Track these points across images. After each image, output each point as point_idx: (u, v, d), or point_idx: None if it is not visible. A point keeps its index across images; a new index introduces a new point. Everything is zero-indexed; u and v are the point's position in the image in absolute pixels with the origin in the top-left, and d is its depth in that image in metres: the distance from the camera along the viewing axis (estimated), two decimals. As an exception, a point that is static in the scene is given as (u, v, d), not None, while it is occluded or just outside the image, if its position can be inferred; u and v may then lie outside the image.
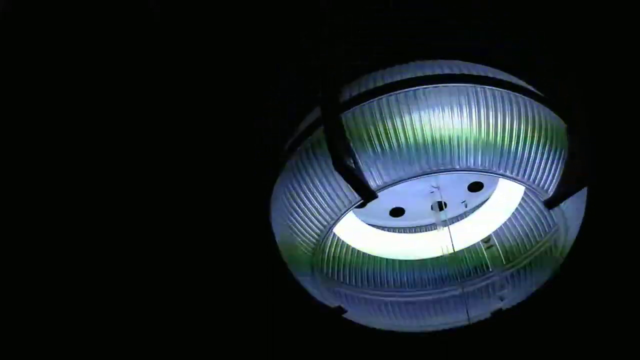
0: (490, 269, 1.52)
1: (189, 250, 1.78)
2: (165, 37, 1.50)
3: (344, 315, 1.50)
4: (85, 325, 1.84)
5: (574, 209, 1.37)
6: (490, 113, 1.27)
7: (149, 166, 1.65)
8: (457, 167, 1.27)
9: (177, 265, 1.79)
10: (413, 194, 1.47)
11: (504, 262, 1.51)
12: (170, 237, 1.76)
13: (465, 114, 1.27)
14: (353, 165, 1.27)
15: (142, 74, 1.54)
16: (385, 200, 1.46)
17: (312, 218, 1.35)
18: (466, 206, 1.53)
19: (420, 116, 1.27)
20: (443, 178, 1.42)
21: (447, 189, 1.46)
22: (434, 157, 1.27)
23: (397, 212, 1.52)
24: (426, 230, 1.55)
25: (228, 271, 1.79)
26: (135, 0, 1.46)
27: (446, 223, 1.49)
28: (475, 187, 1.48)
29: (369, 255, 1.53)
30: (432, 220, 1.53)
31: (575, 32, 1.54)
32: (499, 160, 1.27)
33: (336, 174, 1.28)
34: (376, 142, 1.28)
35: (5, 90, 1.54)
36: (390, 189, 1.30)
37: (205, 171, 1.67)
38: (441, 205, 1.49)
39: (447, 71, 1.30)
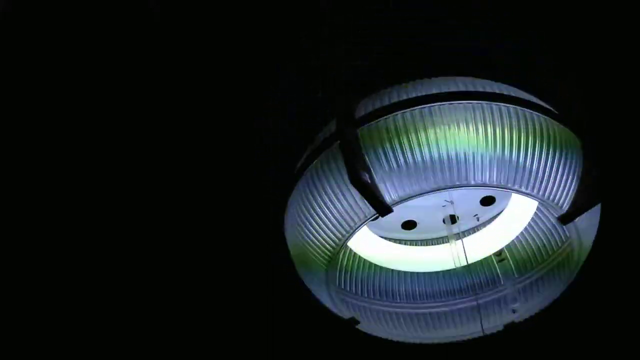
0: (502, 282, 1.52)
1: (202, 262, 1.78)
2: (165, 37, 1.51)
3: (357, 327, 1.51)
4: (88, 326, 1.84)
5: (587, 223, 1.38)
6: (505, 130, 1.28)
7: (149, 167, 1.66)
8: (472, 182, 1.29)
9: (190, 277, 1.80)
10: (425, 207, 1.47)
11: (516, 275, 1.52)
12: (182, 250, 1.76)
13: (480, 131, 1.28)
14: (369, 180, 1.28)
15: (142, 74, 1.55)
16: (398, 213, 1.47)
17: (327, 231, 1.36)
18: (478, 220, 1.54)
19: (435, 132, 1.28)
20: (456, 192, 1.43)
21: (459, 202, 1.47)
22: (449, 173, 1.28)
23: (409, 224, 1.52)
24: (437, 243, 1.56)
25: (241, 283, 1.80)
26: (135, 0, 1.46)
27: (459, 236, 1.50)
28: (488, 201, 1.48)
29: (382, 267, 1.54)
30: (443, 233, 1.54)
31: (575, 32, 1.54)
32: (514, 176, 1.29)
33: (351, 188, 1.30)
34: (392, 157, 1.29)
35: (5, 90, 1.54)
36: (404, 202, 1.31)
37: (214, 178, 1.67)
38: (453, 219, 1.50)
39: (462, 88, 1.31)
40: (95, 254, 1.75)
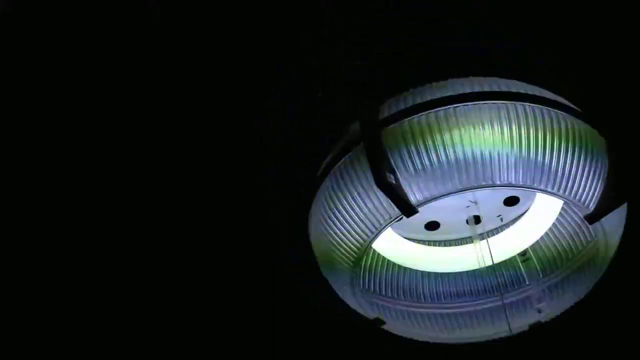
0: (528, 282, 1.52)
1: (201, 262, 1.78)
2: (165, 37, 1.51)
3: (383, 327, 1.51)
4: (88, 326, 1.84)
5: (613, 222, 1.38)
6: (531, 129, 1.28)
7: (149, 166, 1.66)
8: (498, 182, 1.28)
9: (189, 278, 1.80)
10: (449, 208, 1.47)
11: (541, 275, 1.51)
12: (182, 250, 1.76)
13: (505, 130, 1.28)
14: (394, 182, 1.28)
15: (142, 74, 1.55)
16: (421, 214, 1.46)
17: (353, 232, 1.36)
18: (502, 220, 1.53)
19: (460, 133, 1.28)
20: (479, 192, 1.43)
21: (483, 202, 1.47)
22: (474, 173, 1.28)
23: (432, 225, 1.52)
24: (461, 244, 1.56)
25: (253, 299, 1.80)
26: (135, 0, 1.46)
27: (483, 237, 1.50)
28: (511, 201, 1.48)
29: (406, 267, 1.54)
30: (467, 234, 1.54)
31: (575, 32, 1.53)
32: (540, 175, 1.28)
33: (376, 189, 1.30)
34: (416, 158, 1.29)
35: (5, 90, 1.54)
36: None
37: (213, 178, 1.67)
38: (477, 219, 1.50)
39: (486, 88, 1.31)
40: (96, 254, 1.75)
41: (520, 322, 1.51)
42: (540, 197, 1.48)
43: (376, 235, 1.36)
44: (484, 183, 1.28)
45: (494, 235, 1.54)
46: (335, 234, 1.37)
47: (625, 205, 1.37)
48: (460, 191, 1.29)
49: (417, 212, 1.30)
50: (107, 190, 1.68)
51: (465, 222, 1.51)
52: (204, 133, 1.62)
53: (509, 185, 1.29)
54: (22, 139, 1.60)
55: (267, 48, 1.53)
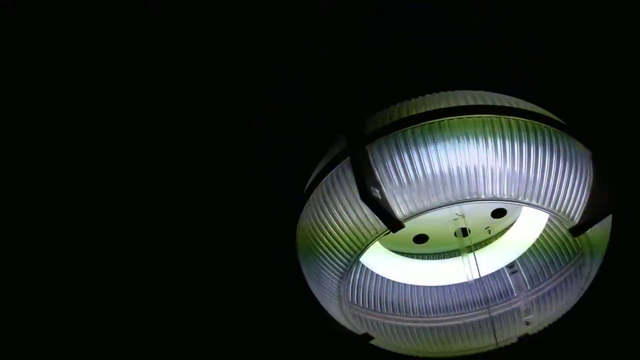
0: (515, 294, 1.52)
1: (203, 263, 1.78)
2: (165, 37, 1.51)
3: (371, 342, 1.51)
4: (88, 326, 1.85)
5: (599, 234, 1.38)
6: (515, 143, 1.28)
7: (148, 166, 1.66)
8: (483, 196, 1.29)
9: (190, 279, 1.80)
10: (436, 221, 1.47)
11: (529, 287, 1.52)
12: (182, 252, 1.76)
13: (489, 144, 1.28)
14: (379, 196, 1.28)
15: (142, 73, 1.55)
16: (409, 227, 1.46)
17: (339, 248, 1.36)
18: (490, 232, 1.54)
19: (445, 146, 1.29)
20: (467, 205, 1.43)
21: (470, 215, 1.47)
22: (460, 187, 1.28)
23: (420, 238, 1.53)
24: (450, 257, 1.56)
25: (253, 299, 1.80)
26: (135, 0, 1.46)
27: (470, 249, 1.50)
28: (499, 213, 1.49)
29: (394, 281, 1.54)
30: (455, 246, 1.54)
31: (559, 45, 1.54)
32: (524, 189, 1.29)
33: (362, 204, 1.30)
34: (402, 172, 1.29)
35: (5, 90, 1.54)
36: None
37: (213, 178, 1.67)
38: (465, 232, 1.50)
39: (470, 102, 1.32)
40: (95, 255, 1.75)
41: (509, 334, 1.51)
42: (527, 209, 1.48)
43: (363, 250, 1.36)
44: (468, 197, 1.28)
45: (482, 247, 1.55)
46: (322, 248, 1.37)
47: (610, 217, 1.38)
48: (446, 205, 1.29)
49: (403, 226, 1.30)
50: (107, 190, 1.68)
51: (453, 234, 1.51)
52: (204, 133, 1.62)
53: (494, 199, 1.29)
54: (22, 139, 1.60)
55: (267, 48, 1.53)
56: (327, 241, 1.36)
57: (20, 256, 1.74)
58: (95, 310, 1.82)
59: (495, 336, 1.47)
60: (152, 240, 1.75)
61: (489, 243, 1.55)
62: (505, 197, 1.29)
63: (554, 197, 1.29)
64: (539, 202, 1.29)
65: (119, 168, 1.65)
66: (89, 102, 1.58)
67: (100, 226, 1.72)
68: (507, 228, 1.53)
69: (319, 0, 1.48)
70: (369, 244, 1.34)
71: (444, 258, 1.57)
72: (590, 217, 1.32)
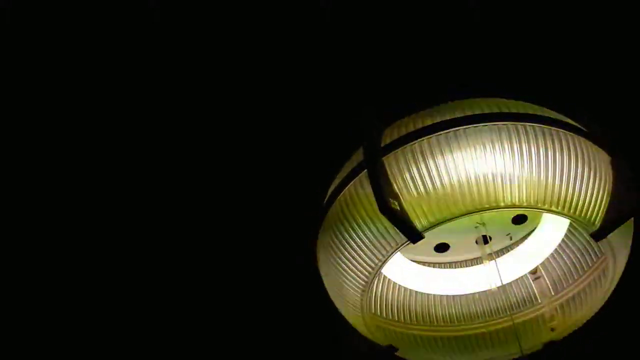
0: (539, 300, 1.51)
1: (234, 292, 1.79)
2: (165, 37, 1.51)
3: (396, 354, 1.51)
4: (93, 327, 1.86)
5: (621, 238, 1.37)
6: (532, 149, 1.28)
7: (148, 166, 1.66)
8: (502, 204, 1.28)
9: (222, 305, 1.80)
10: (457, 230, 1.46)
11: (553, 293, 1.51)
12: (215, 282, 1.77)
13: (507, 151, 1.28)
14: (398, 207, 1.28)
15: (142, 73, 1.55)
16: (430, 236, 1.46)
17: (360, 261, 1.36)
18: (511, 239, 1.53)
19: (462, 155, 1.28)
20: (488, 212, 1.42)
21: (491, 222, 1.46)
22: (478, 196, 1.28)
23: (441, 247, 1.52)
24: (472, 265, 1.55)
25: (276, 314, 1.80)
26: (135, 0, 1.46)
27: (492, 257, 1.50)
28: (520, 219, 1.48)
29: (417, 292, 1.54)
30: (477, 254, 1.53)
31: (578, 52, 1.53)
32: (544, 196, 1.28)
33: (381, 216, 1.29)
34: (419, 183, 1.29)
35: (5, 90, 1.54)
36: (435, 225, 1.31)
37: (212, 178, 1.67)
38: (486, 239, 1.49)
39: (486, 110, 1.31)
40: (96, 254, 1.76)
41: (534, 341, 1.50)
42: (547, 214, 1.47)
43: (384, 262, 1.35)
44: (487, 205, 1.28)
45: (503, 254, 1.54)
46: (343, 261, 1.37)
47: (631, 221, 1.36)
48: (465, 215, 1.29)
49: (422, 237, 1.30)
50: (107, 190, 1.69)
51: (474, 242, 1.50)
52: (204, 133, 1.62)
53: (513, 206, 1.28)
54: (22, 139, 1.61)
55: (267, 48, 1.53)
56: (347, 254, 1.36)
57: (21, 256, 1.75)
58: (95, 311, 1.83)
59: (519, 344, 1.46)
60: (151, 240, 1.75)
61: (511, 250, 1.54)
62: (525, 204, 1.28)
63: (573, 202, 1.29)
64: (559, 208, 1.29)
65: (119, 168, 1.66)
66: (89, 102, 1.58)
67: (100, 226, 1.73)
68: (529, 234, 1.52)
69: (319, 0, 1.48)
70: (389, 256, 1.34)
71: (466, 266, 1.56)
72: (611, 222, 1.31)
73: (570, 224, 1.46)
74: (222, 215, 1.70)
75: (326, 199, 1.40)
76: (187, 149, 1.64)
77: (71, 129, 1.60)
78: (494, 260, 1.49)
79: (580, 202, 1.29)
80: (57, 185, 1.66)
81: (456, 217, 1.29)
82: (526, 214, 1.46)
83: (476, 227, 1.47)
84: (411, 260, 1.54)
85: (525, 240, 1.52)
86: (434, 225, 1.30)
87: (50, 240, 1.73)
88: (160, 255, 1.75)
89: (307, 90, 1.56)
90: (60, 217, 1.70)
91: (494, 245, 1.51)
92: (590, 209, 1.30)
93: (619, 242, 1.37)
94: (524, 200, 1.28)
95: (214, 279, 1.78)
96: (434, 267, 1.56)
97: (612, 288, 1.45)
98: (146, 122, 1.61)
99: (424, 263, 1.55)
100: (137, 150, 1.64)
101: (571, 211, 1.29)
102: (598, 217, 1.31)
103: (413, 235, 1.29)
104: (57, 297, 1.80)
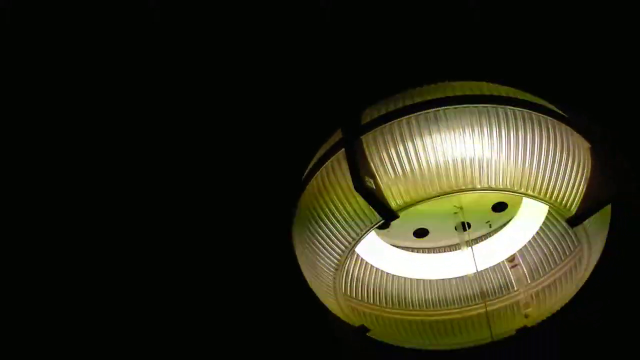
0: (515, 288, 1.51)
1: (207, 270, 1.78)
2: (165, 37, 1.50)
3: (368, 334, 1.50)
4: (93, 327, 1.86)
5: (597, 227, 1.37)
6: (512, 133, 1.28)
7: (148, 166, 1.66)
8: (478, 187, 1.28)
9: (196, 285, 1.80)
10: (436, 215, 1.46)
11: (529, 281, 1.50)
12: (188, 260, 1.76)
13: (486, 134, 1.28)
14: (373, 186, 1.28)
15: (142, 73, 1.55)
16: (409, 221, 1.47)
17: (334, 238, 1.35)
18: (490, 226, 1.53)
19: (440, 137, 1.28)
20: (467, 198, 1.43)
21: (471, 209, 1.46)
22: (455, 178, 1.27)
23: (420, 233, 1.52)
24: (450, 251, 1.55)
25: (250, 292, 1.80)
26: (135, 0, 1.46)
27: (470, 243, 1.49)
28: (499, 207, 1.47)
29: (393, 275, 1.54)
30: (456, 240, 1.53)
31: (559, 36, 1.53)
32: (520, 179, 1.28)
33: (357, 194, 1.29)
34: (396, 163, 1.29)
35: (5, 90, 1.54)
36: (414, 210, 1.31)
37: (212, 178, 1.67)
38: (465, 226, 1.49)
39: (467, 92, 1.31)
40: (95, 255, 1.76)
41: (508, 327, 1.50)
42: (527, 202, 1.47)
43: (357, 241, 1.35)
44: (464, 187, 1.28)
45: (482, 241, 1.54)
46: (317, 239, 1.37)
47: (608, 209, 1.36)
48: (441, 195, 1.28)
49: (397, 216, 1.30)
50: (107, 190, 1.68)
51: (454, 228, 1.50)
52: (204, 133, 1.62)
53: (490, 189, 1.28)
54: (22, 139, 1.60)
55: (267, 48, 1.53)
56: (322, 232, 1.36)
57: (21, 256, 1.74)
58: (96, 312, 1.83)
59: (490, 329, 1.45)
60: (150, 240, 1.75)
61: (489, 237, 1.54)
62: (501, 187, 1.28)
63: (550, 187, 1.28)
64: (536, 192, 1.28)
65: (119, 168, 1.65)
66: (89, 102, 1.58)
67: (100, 226, 1.73)
68: (508, 222, 1.52)
69: (319, 0, 1.48)
70: (363, 235, 1.34)
71: (445, 252, 1.56)
72: (587, 209, 1.31)
73: (549, 213, 1.46)
74: (198, 196, 1.70)
75: (303, 177, 1.40)
76: (187, 149, 1.65)
77: (71, 128, 1.60)
78: (471, 247, 1.49)
79: (557, 188, 1.29)
80: (55, 184, 1.66)
81: (432, 198, 1.28)
82: (503, 199, 1.45)
83: (455, 214, 1.47)
84: (390, 245, 1.54)
85: (503, 228, 1.52)
86: (410, 205, 1.29)
87: (43, 239, 1.73)
88: (133, 238, 1.75)
89: (306, 91, 1.55)
90: (51, 215, 1.70)
91: (473, 233, 1.51)
92: (567, 194, 1.30)
93: (595, 231, 1.37)
94: (500, 184, 1.27)
95: (184, 260, 1.78)
96: (412, 252, 1.55)
97: (587, 276, 1.45)
98: (146, 122, 1.61)
99: (403, 248, 1.55)
100: (137, 151, 1.64)
101: (547, 196, 1.29)
102: (574, 203, 1.31)
103: (388, 214, 1.29)
104: (51, 296, 1.80)
